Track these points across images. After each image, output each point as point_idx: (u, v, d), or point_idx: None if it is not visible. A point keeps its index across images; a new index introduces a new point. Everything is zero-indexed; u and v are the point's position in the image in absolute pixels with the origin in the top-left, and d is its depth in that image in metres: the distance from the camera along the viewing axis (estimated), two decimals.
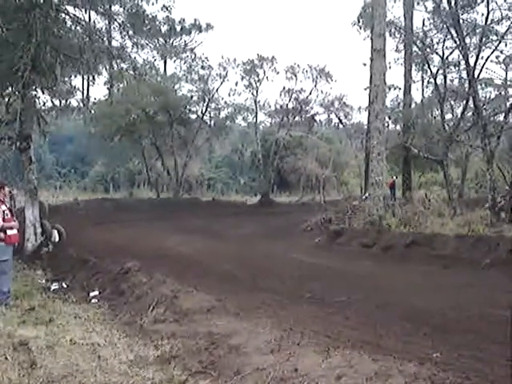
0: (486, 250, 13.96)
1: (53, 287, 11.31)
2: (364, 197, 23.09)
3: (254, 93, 44.78)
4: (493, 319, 7.76)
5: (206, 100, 42.79)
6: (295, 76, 44.27)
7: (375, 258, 15.67)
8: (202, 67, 43.57)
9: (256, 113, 45.94)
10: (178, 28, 46.73)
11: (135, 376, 5.71)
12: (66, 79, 19.74)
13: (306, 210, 27.16)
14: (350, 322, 8.11)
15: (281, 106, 45.37)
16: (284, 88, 44.73)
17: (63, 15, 15.79)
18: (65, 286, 11.55)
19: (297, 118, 46.08)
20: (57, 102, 21.61)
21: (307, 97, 44.71)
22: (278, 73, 44.24)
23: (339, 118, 46.92)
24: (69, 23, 16.24)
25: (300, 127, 47.25)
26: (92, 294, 10.42)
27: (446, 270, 13.22)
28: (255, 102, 45.19)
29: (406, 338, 7.15)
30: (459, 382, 4.85)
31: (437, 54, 24.90)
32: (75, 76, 21.42)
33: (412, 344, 6.87)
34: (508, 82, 30.00)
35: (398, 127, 32.38)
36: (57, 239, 16.16)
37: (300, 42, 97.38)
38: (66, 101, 23.85)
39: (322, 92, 44.65)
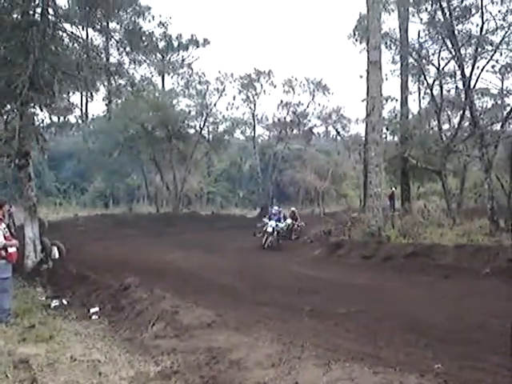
0: (485, 259, 13.99)
1: (53, 304, 11.27)
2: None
3: (252, 106, 44.92)
4: (493, 329, 7.77)
5: (204, 114, 42.87)
6: (292, 89, 44.48)
7: (375, 270, 15.69)
8: (200, 82, 43.69)
9: (254, 126, 46.07)
10: (176, 44, 46.80)
11: None
12: (65, 96, 19.74)
13: (305, 223, 27.11)
14: (351, 335, 8.12)
15: (278, 120, 45.46)
16: (281, 101, 44.91)
17: (60, 33, 15.86)
18: (65, 302, 11.51)
19: (295, 131, 46.16)
20: (55, 119, 21.68)
21: (305, 110, 44.89)
22: (275, 86, 44.38)
23: (337, 130, 47.06)
24: (66, 40, 16.32)
25: (298, 140, 47.33)
26: (92, 311, 10.40)
27: (446, 280, 13.23)
28: (253, 115, 45.31)
29: (407, 350, 7.16)
30: None
31: (433, 64, 24.95)
32: (73, 92, 21.45)
33: (413, 355, 6.87)
34: (504, 92, 29.99)
35: (396, 138, 32.30)
36: (57, 256, 16.13)
37: (297, 56, 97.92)
38: (65, 117, 23.94)
39: (319, 105, 44.87)
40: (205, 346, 6.87)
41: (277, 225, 23.44)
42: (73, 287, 12.79)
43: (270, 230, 22.92)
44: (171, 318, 8.33)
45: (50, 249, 16.05)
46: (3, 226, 9.54)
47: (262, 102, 44.30)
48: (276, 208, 25.86)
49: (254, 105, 44.75)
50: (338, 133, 47.11)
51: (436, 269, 14.15)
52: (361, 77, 34.61)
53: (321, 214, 37.68)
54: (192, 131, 43.34)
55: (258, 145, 47.03)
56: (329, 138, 53.27)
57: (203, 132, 44.13)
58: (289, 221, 25.98)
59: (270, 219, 23.78)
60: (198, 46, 47.17)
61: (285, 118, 45.05)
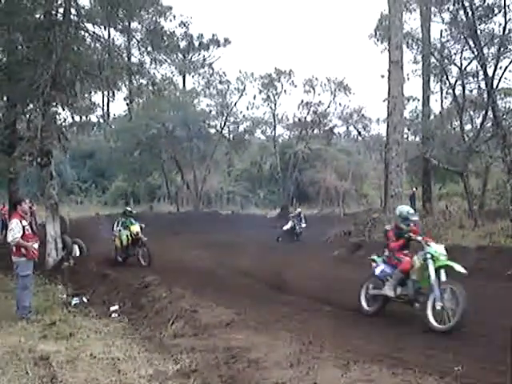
0: (507, 261, 13.81)
1: (73, 302, 11.36)
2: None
3: (272, 106, 45.04)
4: None
5: (225, 114, 43.06)
6: (313, 89, 44.43)
7: None
8: (220, 82, 43.86)
9: (274, 126, 46.13)
10: (197, 43, 47.05)
11: None
12: (86, 95, 19.94)
13: (325, 223, 27.09)
14: (371, 335, 8.06)
15: (299, 119, 45.43)
16: (302, 101, 44.89)
17: (83, 32, 16.03)
18: (85, 300, 11.60)
19: (315, 131, 46.12)
20: (77, 118, 21.87)
21: (325, 109, 44.86)
22: (295, 86, 44.46)
23: (358, 130, 46.91)
24: (88, 40, 16.49)
25: (319, 140, 47.20)
26: (112, 309, 10.46)
27: (467, 281, 13.09)
28: (273, 115, 45.36)
29: (427, 352, 7.09)
30: None
31: (455, 64, 24.75)
32: (95, 92, 21.61)
33: (433, 357, 6.81)
34: None
35: (418, 138, 32.16)
36: (77, 254, 16.28)
37: (318, 55, 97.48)
38: (87, 117, 24.13)
39: (340, 104, 44.81)
40: (224, 345, 6.86)
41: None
42: (93, 285, 12.88)
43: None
44: (190, 316, 8.35)
45: (70, 247, 16.20)
46: (25, 223, 9.67)
47: (283, 102, 44.57)
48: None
49: (275, 104, 44.90)
50: (359, 133, 46.96)
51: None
52: (382, 76, 34.42)
53: (341, 214, 37.51)
54: (212, 131, 43.58)
55: (278, 145, 47.04)
56: (350, 138, 53.11)
57: (224, 132, 44.36)
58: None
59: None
60: (218, 46, 47.42)
61: (305, 118, 45.03)
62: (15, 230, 9.54)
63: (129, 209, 18.91)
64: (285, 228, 27.37)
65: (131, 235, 16.41)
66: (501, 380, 5.77)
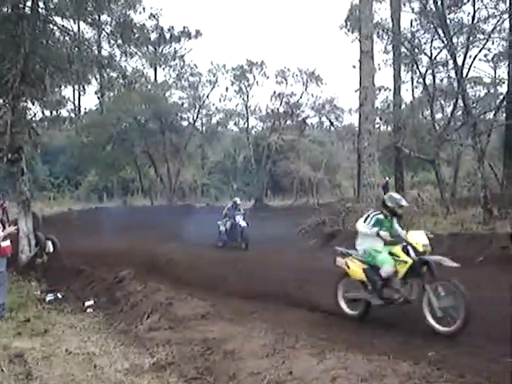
0: (479, 247, 14.03)
1: (48, 298, 11.29)
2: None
3: (245, 98, 45.02)
4: (488, 317, 7.78)
5: (197, 106, 42.93)
6: (285, 80, 44.35)
7: None
8: (192, 74, 43.69)
9: (247, 118, 46.20)
10: (168, 36, 46.74)
11: None
12: (56, 89, 19.65)
13: (300, 213, 27.13)
14: (346, 324, 8.14)
15: (272, 111, 45.37)
16: (274, 92, 44.76)
17: (51, 26, 15.81)
18: (60, 296, 11.53)
19: (288, 122, 46.07)
20: (48, 113, 21.57)
21: (298, 100, 44.77)
22: (267, 77, 44.45)
23: (330, 121, 46.98)
24: (57, 34, 16.26)
25: (292, 131, 47.20)
26: (87, 304, 10.42)
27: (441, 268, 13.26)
28: (246, 107, 45.40)
29: (402, 338, 7.19)
30: (453, 380, 4.88)
31: (425, 54, 25.01)
32: (65, 86, 21.30)
33: (408, 344, 6.91)
34: (497, 80, 30.05)
35: (389, 128, 32.43)
36: (51, 250, 16.11)
37: (289, 46, 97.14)
38: (57, 111, 23.80)
39: (312, 95, 44.71)
40: (199, 337, 6.88)
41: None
42: (67, 281, 12.80)
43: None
44: (166, 309, 8.35)
45: (44, 243, 16.03)
46: None
47: (255, 93, 44.46)
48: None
49: (247, 96, 44.91)
50: (332, 123, 47.05)
51: None
52: (354, 67, 34.48)
53: (315, 204, 37.66)
54: (185, 123, 43.48)
55: (251, 136, 47.10)
56: (322, 128, 53.19)
57: (196, 124, 44.26)
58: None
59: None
60: (190, 38, 47.16)
61: (278, 109, 44.94)
62: None
63: None
64: (221, 229, 20.71)
65: None
66: (473, 363, 5.88)
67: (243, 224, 20.14)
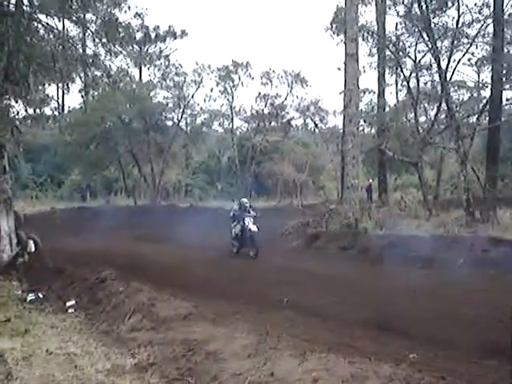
0: (461, 250, 14.15)
1: (29, 298, 11.19)
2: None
3: (230, 98, 44.98)
4: (466, 319, 7.86)
5: (182, 106, 42.73)
6: (270, 81, 44.37)
7: (352, 261, 15.81)
8: (177, 74, 43.53)
9: (232, 118, 46.14)
10: (153, 35, 46.67)
11: None
12: (40, 88, 19.51)
13: (283, 215, 27.14)
14: (328, 326, 8.16)
15: (257, 112, 45.37)
16: (259, 93, 44.78)
17: (36, 24, 15.69)
18: (41, 296, 11.43)
19: (273, 123, 46.13)
20: (31, 111, 21.44)
21: (283, 102, 44.80)
22: (253, 78, 44.43)
23: (315, 123, 47.05)
24: (41, 32, 16.14)
25: (276, 132, 47.26)
26: (68, 304, 10.33)
27: (423, 270, 13.36)
28: (231, 107, 45.36)
29: (383, 340, 7.22)
30: (434, 382, 4.90)
31: (409, 57, 25.12)
32: (49, 84, 21.21)
33: (389, 345, 6.93)
34: (480, 84, 30.28)
35: (373, 130, 32.56)
36: (33, 249, 15.98)
37: (274, 48, 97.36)
38: (41, 109, 23.63)
39: (297, 97, 44.75)
40: (181, 337, 6.86)
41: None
42: (49, 280, 12.68)
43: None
44: (148, 310, 8.30)
45: (25, 242, 15.88)
46: None
47: (240, 94, 44.41)
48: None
49: (232, 97, 44.88)
50: (316, 125, 47.13)
51: (412, 260, 14.26)
52: (339, 69, 34.79)
53: (299, 206, 37.69)
54: (170, 123, 43.24)
55: (236, 137, 47.06)
56: (307, 130, 53.21)
57: (181, 124, 44.06)
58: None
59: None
60: (175, 38, 47.17)
61: (263, 111, 44.96)
62: None
63: None
64: (232, 234, 18.71)
65: None
66: (454, 366, 5.93)
67: (253, 228, 17.68)
